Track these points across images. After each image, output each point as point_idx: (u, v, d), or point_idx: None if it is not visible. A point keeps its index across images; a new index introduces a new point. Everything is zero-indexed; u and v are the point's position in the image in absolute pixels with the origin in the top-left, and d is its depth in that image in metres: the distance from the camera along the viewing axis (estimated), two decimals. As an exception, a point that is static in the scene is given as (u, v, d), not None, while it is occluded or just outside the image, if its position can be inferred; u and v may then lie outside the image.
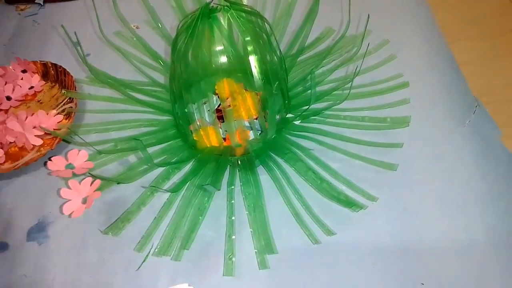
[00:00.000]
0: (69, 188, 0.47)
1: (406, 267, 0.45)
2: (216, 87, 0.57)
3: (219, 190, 0.48)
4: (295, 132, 0.55)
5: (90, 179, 0.48)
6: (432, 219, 0.48)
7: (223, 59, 0.55)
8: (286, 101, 0.55)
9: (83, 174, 0.50)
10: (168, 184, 0.52)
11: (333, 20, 0.67)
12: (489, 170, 0.51)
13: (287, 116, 0.55)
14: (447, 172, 0.51)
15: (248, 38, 0.48)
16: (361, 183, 0.50)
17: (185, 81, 0.52)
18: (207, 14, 0.47)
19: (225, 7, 0.48)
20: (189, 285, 0.45)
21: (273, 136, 0.53)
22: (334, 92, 0.56)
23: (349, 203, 0.47)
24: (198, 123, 0.54)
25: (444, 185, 0.50)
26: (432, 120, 0.56)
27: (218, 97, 0.57)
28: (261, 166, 0.52)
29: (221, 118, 0.54)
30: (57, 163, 0.50)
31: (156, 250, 0.47)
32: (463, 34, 0.68)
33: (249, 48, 0.49)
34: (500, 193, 0.49)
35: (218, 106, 0.56)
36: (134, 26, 0.70)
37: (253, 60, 0.49)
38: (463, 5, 0.73)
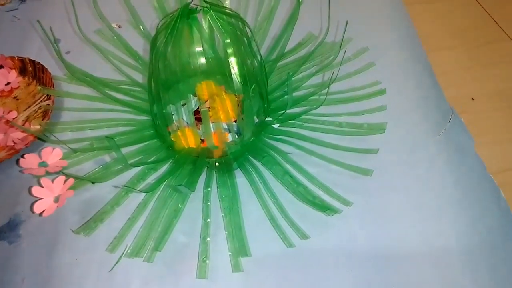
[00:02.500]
0: (41, 186, 0.46)
1: (380, 272, 0.45)
2: (196, 89, 0.57)
3: (193, 191, 0.48)
4: (273, 136, 0.55)
5: (63, 177, 0.47)
6: (405, 225, 0.48)
7: (202, 60, 0.54)
8: (266, 105, 0.55)
9: (57, 172, 0.49)
10: (143, 185, 0.51)
11: (316, 26, 0.68)
12: (462, 178, 0.52)
13: (266, 119, 0.56)
14: (421, 179, 0.52)
15: (228, 40, 0.48)
16: (336, 188, 0.50)
17: (164, 82, 0.51)
18: (186, 14, 0.47)
19: (205, 8, 0.48)
20: None
21: (251, 139, 0.53)
22: (312, 98, 0.56)
23: (324, 207, 0.47)
24: (176, 124, 0.54)
25: (418, 192, 0.51)
26: (407, 127, 0.56)
27: (198, 99, 0.57)
28: (238, 169, 0.52)
29: (200, 119, 0.54)
30: (30, 160, 0.49)
31: (129, 251, 0.46)
32: (441, 44, 0.70)
33: (229, 51, 0.49)
34: (472, 201, 0.50)
35: (197, 108, 0.56)
36: (116, 25, 0.70)
37: (232, 63, 0.49)
38: (443, 15, 0.75)
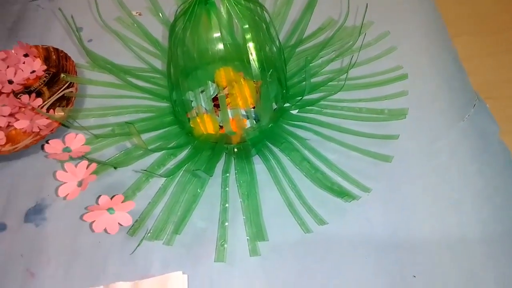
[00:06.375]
0: (65, 171, 0.48)
1: (398, 259, 0.45)
2: (214, 76, 0.57)
3: (212, 176, 0.49)
4: (292, 122, 0.55)
5: (86, 162, 0.48)
6: (425, 212, 0.48)
7: (220, 46, 0.54)
8: (284, 91, 0.55)
9: (80, 157, 0.51)
10: (163, 170, 0.52)
11: (335, 10, 0.66)
12: (486, 165, 0.51)
13: (284, 105, 0.55)
14: (443, 166, 0.51)
15: (246, 26, 0.48)
16: (355, 174, 0.50)
17: (183, 69, 0.52)
18: (204, 0, 0.47)
19: (223, -6, 0.48)
20: (183, 273, 0.45)
21: (269, 125, 0.53)
22: (332, 83, 0.56)
23: (342, 193, 0.47)
24: (195, 110, 0.54)
25: (439, 179, 0.50)
26: (430, 113, 0.55)
27: (216, 85, 0.57)
28: (256, 155, 0.52)
29: (218, 106, 0.54)
30: (54, 146, 0.50)
31: (149, 234, 0.47)
32: (466, 28, 0.67)
33: (247, 36, 0.48)
34: (496, 189, 0.49)
35: (216, 95, 0.56)
36: (136, 12, 0.70)
37: (250, 48, 0.49)
38: (467, -1, 0.72)
